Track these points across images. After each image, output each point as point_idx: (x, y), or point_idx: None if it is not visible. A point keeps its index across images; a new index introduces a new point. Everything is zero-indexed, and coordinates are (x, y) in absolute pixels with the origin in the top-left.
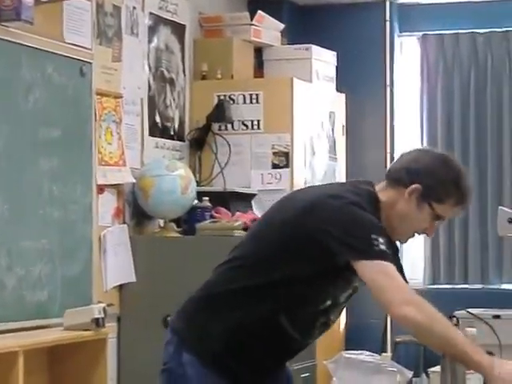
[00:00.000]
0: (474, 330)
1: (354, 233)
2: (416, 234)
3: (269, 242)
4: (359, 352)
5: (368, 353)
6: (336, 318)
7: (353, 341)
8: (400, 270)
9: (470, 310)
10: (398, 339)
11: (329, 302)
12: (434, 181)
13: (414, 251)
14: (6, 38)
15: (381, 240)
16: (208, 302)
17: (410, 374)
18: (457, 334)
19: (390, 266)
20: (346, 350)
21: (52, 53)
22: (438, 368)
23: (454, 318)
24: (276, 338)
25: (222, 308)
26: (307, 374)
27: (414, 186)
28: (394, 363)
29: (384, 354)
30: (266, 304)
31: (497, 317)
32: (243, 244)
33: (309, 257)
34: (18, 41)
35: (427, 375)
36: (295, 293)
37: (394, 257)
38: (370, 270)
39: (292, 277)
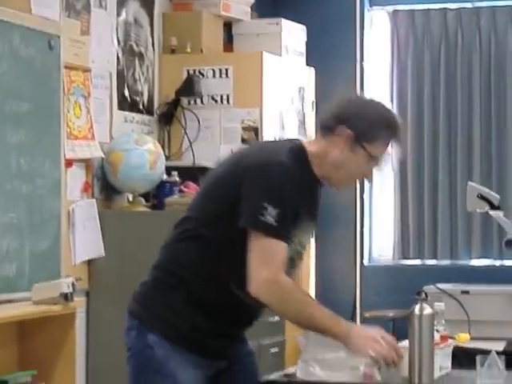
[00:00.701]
0: (442, 304)
1: (250, 199)
2: (351, 183)
3: (210, 202)
4: None
5: None
6: (288, 269)
7: None
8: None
9: (438, 285)
10: (366, 315)
11: None
12: (363, 122)
13: (384, 227)
14: None
15: (272, 211)
16: (163, 280)
17: None
18: (314, 312)
19: (269, 242)
20: None
21: (19, 25)
22: (406, 342)
23: (423, 293)
24: (232, 305)
25: (177, 284)
26: (276, 349)
27: (344, 130)
28: None
29: None
30: (213, 270)
31: (465, 292)
32: (188, 213)
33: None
34: None
35: None
36: (237, 255)
37: (286, 228)
38: (252, 240)
39: (229, 239)
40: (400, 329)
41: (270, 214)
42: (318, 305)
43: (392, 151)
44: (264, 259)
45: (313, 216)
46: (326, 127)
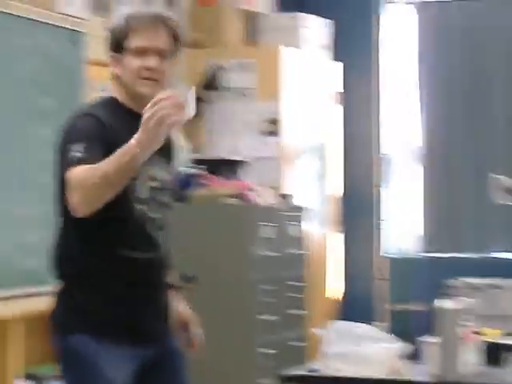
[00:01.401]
0: (470, 300)
1: (60, 153)
2: (144, 82)
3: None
4: (350, 322)
5: (360, 324)
6: (157, 210)
7: (346, 310)
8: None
9: (467, 279)
10: (390, 308)
11: (134, 206)
12: (110, 35)
13: (410, 220)
14: None
15: (77, 147)
16: (62, 279)
17: (405, 345)
18: (104, 168)
19: (74, 170)
20: (340, 319)
21: (45, 23)
22: (430, 337)
23: (449, 287)
24: (132, 269)
25: (73, 278)
26: (300, 343)
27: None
28: (388, 334)
29: (376, 322)
30: (94, 245)
31: (496, 286)
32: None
33: None
34: (10, 11)
35: (419, 344)
36: (95, 222)
37: (97, 155)
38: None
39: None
40: (423, 322)
41: (76, 149)
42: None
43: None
44: (70, 185)
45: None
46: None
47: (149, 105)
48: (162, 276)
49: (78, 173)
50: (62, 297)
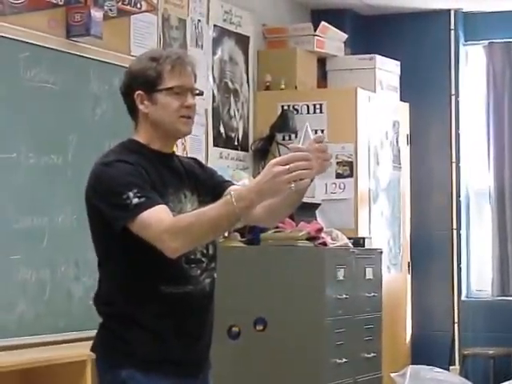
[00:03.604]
0: None
1: (107, 205)
2: (183, 120)
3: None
4: (428, 367)
5: (437, 369)
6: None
7: (419, 353)
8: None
9: None
10: (466, 352)
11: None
12: (138, 74)
13: (482, 262)
14: (75, 52)
15: (130, 194)
16: (108, 314)
17: None
18: (205, 218)
19: (145, 214)
20: (413, 362)
21: (119, 66)
22: (509, 383)
23: None
24: (175, 304)
25: (117, 317)
26: None
27: (135, 96)
28: (464, 379)
29: (452, 367)
30: (139, 286)
31: None
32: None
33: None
34: (86, 55)
35: None
36: (139, 261)
37: (152, 195)
38: (136, 229)
39: (122, 253)
40: (501, 367)
41: (130, 198)
42: (204, 210)
43: (181, 72)
44: (151, 229)
45: (188, 189)
46: (128, 110)
47: (280, 158)
48: (204, 309)
49: (166, 215)
50: (108, 334)
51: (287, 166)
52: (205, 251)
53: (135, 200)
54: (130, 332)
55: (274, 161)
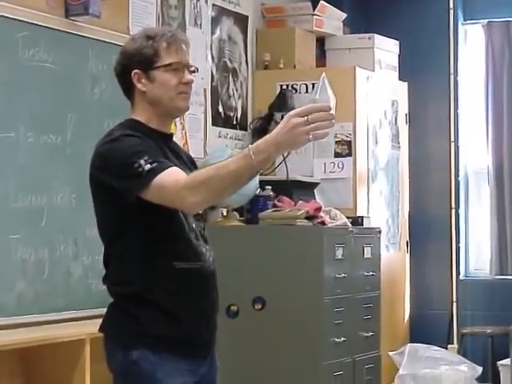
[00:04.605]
0: None
1: (118, 175)
2: (182, 96)
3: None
4: (426, 346)
5: (435, 347)
6: (196, 221)
7: (417, 332)
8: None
9: None
10: (464, 331)
11: (182, 218)
12: (135, 53)
13: (481, 242)
14: (73, 31)
15: (142, 161)
16: (120, 294)
17: (479, 368)
18: (225, 170)
19: (160, 177)
20: (411, 341)
21: (118, 45)
22: (507, 361)
23: None
24: (187, 280)
25: (129, 296)
26: (371, 365)
27: (132, 76)
28: (462, 357)
29: (450, 345)
30: (152, 260)
31: None
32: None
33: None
34: (85, 34)
35: (496, 368)
36: (153, 237)
37: (162, 160)
38: (152, 194)
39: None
40: (499, 346)
41: (142, 165)
42: (223, 164)
43: (178, 48)
44: (172, 187)
45: (189, 172)
46: (123, 89)
47: (299, 110)
48: (213, 287)
49: (181, 175)
50: (119, 314)
51: (305, 118)
52: (203, 232)
53: (147, 166)
54: (144, 311)
55: (292, 112)
